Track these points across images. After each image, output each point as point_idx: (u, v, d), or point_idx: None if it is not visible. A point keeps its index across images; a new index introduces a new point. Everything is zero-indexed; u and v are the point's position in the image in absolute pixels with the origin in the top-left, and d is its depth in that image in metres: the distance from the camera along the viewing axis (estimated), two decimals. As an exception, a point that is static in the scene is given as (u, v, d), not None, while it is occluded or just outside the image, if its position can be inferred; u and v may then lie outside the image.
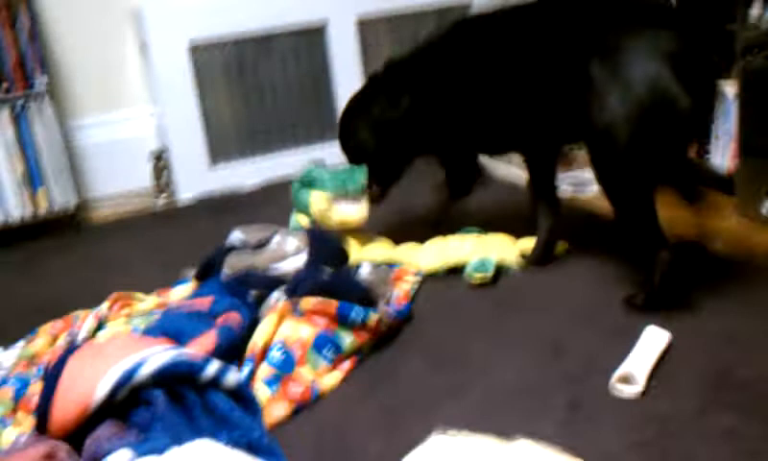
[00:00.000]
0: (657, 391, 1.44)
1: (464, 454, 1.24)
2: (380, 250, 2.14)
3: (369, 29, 3.17)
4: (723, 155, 2.36)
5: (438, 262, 2.04)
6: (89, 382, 1.34)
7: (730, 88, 2.31)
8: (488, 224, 2.24)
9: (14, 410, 1.53)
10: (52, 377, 1.36)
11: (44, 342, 1.80)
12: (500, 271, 2.00)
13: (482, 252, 2.01)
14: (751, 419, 1.32)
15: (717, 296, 1.77)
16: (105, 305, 1.92)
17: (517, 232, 2.14)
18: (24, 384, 1.60)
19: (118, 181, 3.06)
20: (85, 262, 2.42)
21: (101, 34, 3.02)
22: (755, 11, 2.24)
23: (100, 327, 1.84)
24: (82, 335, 1.78)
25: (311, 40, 3.12)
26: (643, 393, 1.43)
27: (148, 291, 2.05)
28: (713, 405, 1.38)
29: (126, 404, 1.35)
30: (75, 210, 2.70)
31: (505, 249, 2.05)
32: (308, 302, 1.66)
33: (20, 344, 1.82)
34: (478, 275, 1.95)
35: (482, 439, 1.27)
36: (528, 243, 2.07)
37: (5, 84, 2.56)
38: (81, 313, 1.93)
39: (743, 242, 2.07)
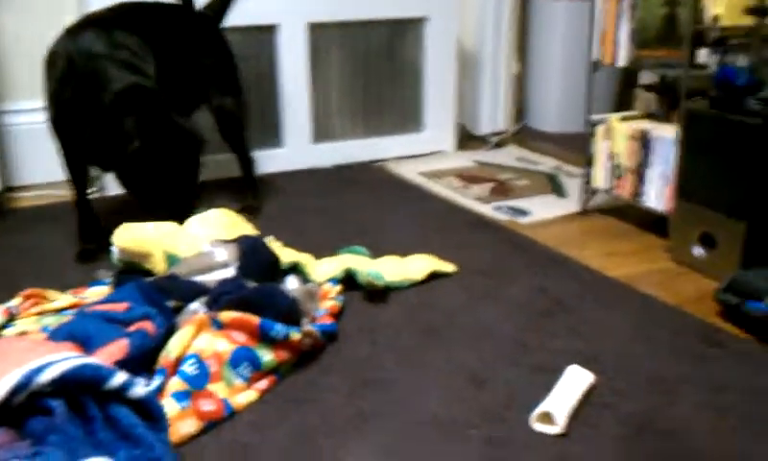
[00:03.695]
0: (576, 433, 1.42)
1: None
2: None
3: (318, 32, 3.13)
4: (657, 197, 2.37)
5: (336, 269, 2.03)
6: (-14, 383, 1.25)
7: (669, 131, 2.31)
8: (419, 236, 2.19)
9: None
10: (-54, 375, 1.27)
11: (-54, 335, 1.70)
12: (390, 287, 2.02)
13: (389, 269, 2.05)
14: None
15: (645, 339, 1.77)
16: (16, 301, 1.83)
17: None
18: None
19: (46, 169, 2.94)
20: (2, 251, 2.31)
21: (37, 19, 2.91)
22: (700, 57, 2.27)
23: (8, 323, 1.75)
24: (-14, 331, 1.68)
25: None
26: (563, 434, 1.41)
27: (64, 287, 1.96)
28: (633, 453, 1.36)
29: (22, 411, 1.27)
30: (-3, 196, 2.59)
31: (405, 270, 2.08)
32: (228, 315, 1.60)
33: None
34: (371, 279, 1.97)
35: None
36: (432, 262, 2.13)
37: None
38: (-12, 307, 1.84)
39: (673, 286, 2.08)
